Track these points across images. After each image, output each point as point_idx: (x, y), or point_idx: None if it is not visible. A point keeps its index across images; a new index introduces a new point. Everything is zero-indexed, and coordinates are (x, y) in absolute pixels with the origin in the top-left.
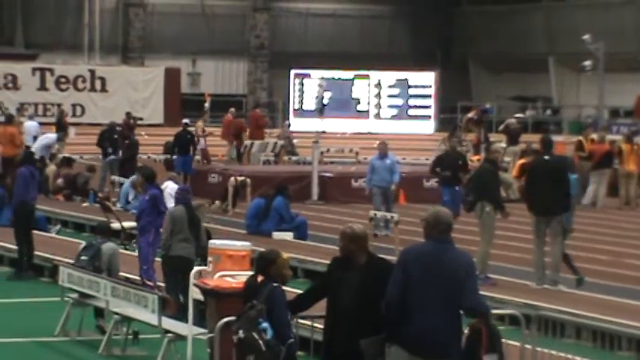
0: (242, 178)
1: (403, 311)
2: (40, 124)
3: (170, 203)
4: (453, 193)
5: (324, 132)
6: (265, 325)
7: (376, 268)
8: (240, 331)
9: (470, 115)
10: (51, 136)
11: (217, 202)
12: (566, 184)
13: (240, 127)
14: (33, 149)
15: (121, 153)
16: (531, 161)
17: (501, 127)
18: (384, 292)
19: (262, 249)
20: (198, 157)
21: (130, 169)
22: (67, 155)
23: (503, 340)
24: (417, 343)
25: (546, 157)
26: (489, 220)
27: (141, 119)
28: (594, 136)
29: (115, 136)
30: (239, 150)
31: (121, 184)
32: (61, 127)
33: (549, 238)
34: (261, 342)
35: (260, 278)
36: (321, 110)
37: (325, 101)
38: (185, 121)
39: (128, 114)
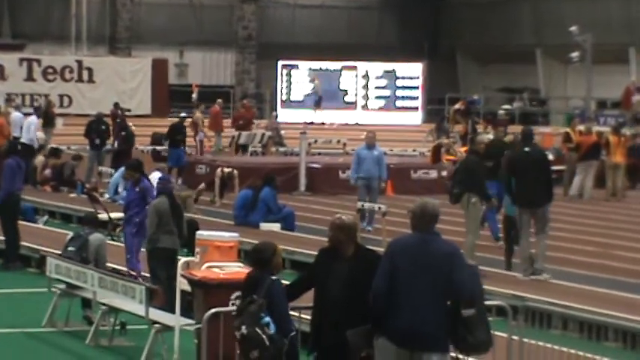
0: (229, 169)
1: (390, 303)
2: (27, 114)
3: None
4: (498, 185)
5: (322, 123)
6: (267, 319)
7: (365, 259)
8: (243, 327)
9: (457, 106)
10: (31, 119)
11: (203, 185)
12: (548, 174)
13: (249, 117)
14: (25, 140)
15: (116, 144)
16: (512, 154)
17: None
18: (372, 283)
19: (251, 240)
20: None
21: (125, 160)
22: (54, 146)
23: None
24: (405, 335)
25: (527, 149)
26: (475, 211)
27: (129, 110)
28: (581, 127)
29: (103, 127)
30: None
31: (110, 175)
32: (49, 117)
33: (535, 228)
34: (264, 337)
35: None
36: (318, 103)
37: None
38: (183, 114)
39: (116, 105)
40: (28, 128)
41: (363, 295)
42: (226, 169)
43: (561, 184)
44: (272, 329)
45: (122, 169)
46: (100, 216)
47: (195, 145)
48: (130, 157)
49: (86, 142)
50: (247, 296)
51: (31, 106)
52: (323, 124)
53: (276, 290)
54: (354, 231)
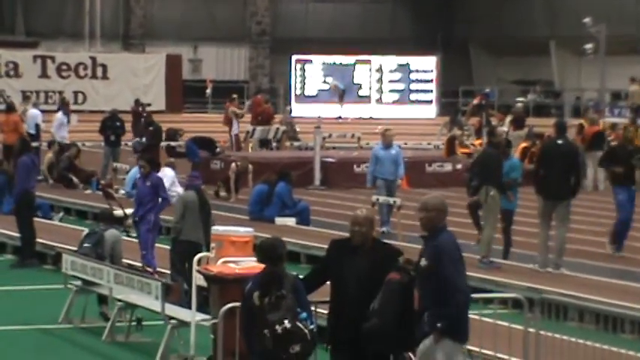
0: (240, 163)
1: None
2: (42, 111)
3: (168, 190)
4: (628, 191)
5: (347, 118)
6: (305, 314)
7: (384, 254)
8: (286, 321)
9: (475, 101)
10: (58, 116)
11: (223, 193)
12: (577, 168)
13: (269, 113)
14: (59, 138)
15: (144, 139)
16: (543, 145)
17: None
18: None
19: (266, 235)
20: (227, 144)
21: (154, 155)
22: (59, 141)
23: (506, 324)
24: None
25: (559, 142)
26: (494, 204)
27: (149, 105)
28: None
29: (118, 124)
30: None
31: (126, 172)
32: (65, 114)
33: (555, 221)
34: (307, 331)
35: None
36: (341, 97)
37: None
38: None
39: (137, 101)
40: (60, 127)
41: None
42: (239, 163)
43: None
44: (311, 325)
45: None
46: (115, 212)
47: (229, 140)
48: (159, 152)
49: (101, 139)
50: (269, 293)
51: (45, 103)
52: (340, 117)
53: (300, 286)
54: (374, 224)
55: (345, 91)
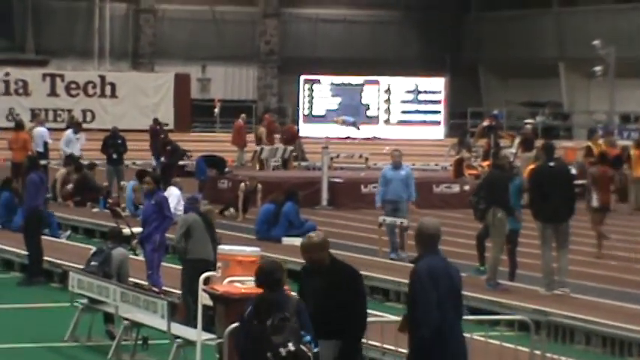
0: (249, 182)
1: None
2: (50, 129)
3: (174, 209)
4: None
5: (374, 137)
6: (309, 337)
7: (340, 273)
8: (290, 344)
9: (485, 123)
10: (67, 133)
11: (232, 210)
12: (572, 189)
13: (293, 132)
14: (67, 152)
15: (163, 159)
16: (535, 169)
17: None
18: (346, 297)
19: (273, 255)
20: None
21: (172, 174)
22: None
23: (513, 346)
24: None
25: (551, 164)
26: (501, 226)
27: (166, 124)
28: (600, 141)
29: (119, 142)
30: (291, 155)
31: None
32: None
33: (556, 243)
34: (310, 354)
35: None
36: (354, 124)
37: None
38: None
39: (155, 120)
40: (68, 143)
41: (339, 308)
42: (247, 183)
43: (584, 199)
44: (315, 348)
45: (131, 182)
46: (124, 231)
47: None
48: (176, 170)
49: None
50: (269, 317)
51: (54, 121)
52: (348, 138)
53: (303, 308)
54: (325, 247)
55: (355, 122)
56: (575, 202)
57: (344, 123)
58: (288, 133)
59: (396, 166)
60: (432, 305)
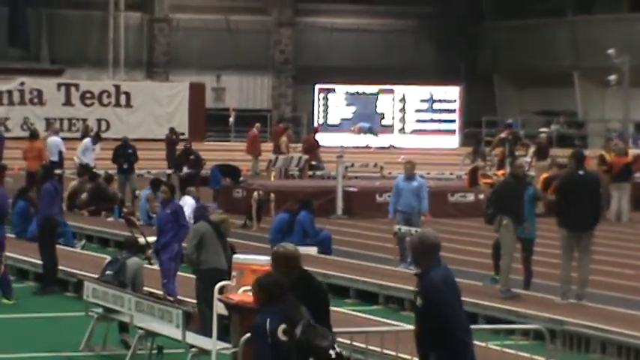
0: (263, 191)
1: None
2: (64, 139)
3: (188, 218)
4: None
5: (391, 146)
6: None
7: (305, 286)
8: (336, 346)
9: (503, 135)
10: (85, 142)
11: (248, 222)
12: (599, 198)
13: (313, 142)
14: (79, 161)
15: (185, 169)
16: (565, 176)
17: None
18: (312, 309)
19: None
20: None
21: (194, 184)
22: (90, 168)
23: (528, 355)
24: None
25: (581, 172)
26: (507, 234)
27: (182, 134)
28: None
29: (130, 151)
30: (311, 165)
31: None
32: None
33: (578, 253)
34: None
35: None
36: (371, 131)
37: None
38: None
39: (171, 129)
40: (84, 152)
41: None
42: (260, 192)
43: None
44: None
45: (145, 191)
46: (139, 240)
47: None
48: (199, 180)
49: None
50: (297, 324)
51: (69, 130)
52: (367, 146)
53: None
54: (294, 260)
55: (371, 127)
56: (600, 211)
57: (360, 131)
58: (308, 143)
59: (409, 176)
60: (460, 310)
